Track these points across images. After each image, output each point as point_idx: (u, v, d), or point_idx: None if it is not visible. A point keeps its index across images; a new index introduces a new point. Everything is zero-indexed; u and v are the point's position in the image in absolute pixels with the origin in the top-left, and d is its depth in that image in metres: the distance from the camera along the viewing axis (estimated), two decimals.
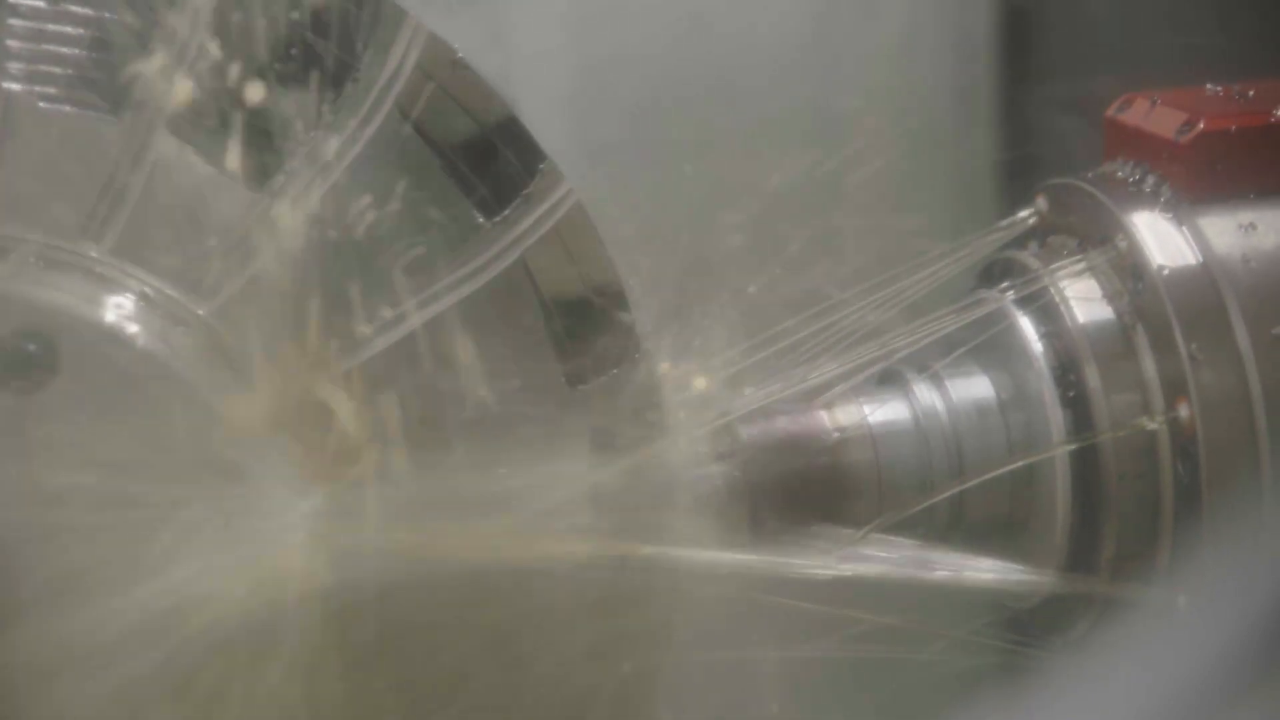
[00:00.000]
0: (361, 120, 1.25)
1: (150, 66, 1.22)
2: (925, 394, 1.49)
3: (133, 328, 1.20)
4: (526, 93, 1.81)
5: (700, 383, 1.39)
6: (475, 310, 1.26)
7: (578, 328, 1.31)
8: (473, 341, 1.26)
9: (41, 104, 1.21)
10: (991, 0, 2.06)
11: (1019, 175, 1.96)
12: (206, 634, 1.18)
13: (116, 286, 1.21)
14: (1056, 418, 1.44)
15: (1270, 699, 0.88)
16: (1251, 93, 1.52)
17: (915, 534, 1.44)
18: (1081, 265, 1.47)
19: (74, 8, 1.23)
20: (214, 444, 1.20)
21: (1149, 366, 1.42)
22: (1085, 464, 1.43)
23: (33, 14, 1.22)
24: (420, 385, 1.25)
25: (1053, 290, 1.47)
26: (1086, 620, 1.48)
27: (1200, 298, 1.40)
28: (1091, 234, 1.49)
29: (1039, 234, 1.55)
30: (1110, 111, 1.55)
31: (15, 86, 1.21)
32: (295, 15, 1.24)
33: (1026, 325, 1.47)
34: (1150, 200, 1.46)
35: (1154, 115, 1.50)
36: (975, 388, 1.50)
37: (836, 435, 1.45)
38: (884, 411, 1.48)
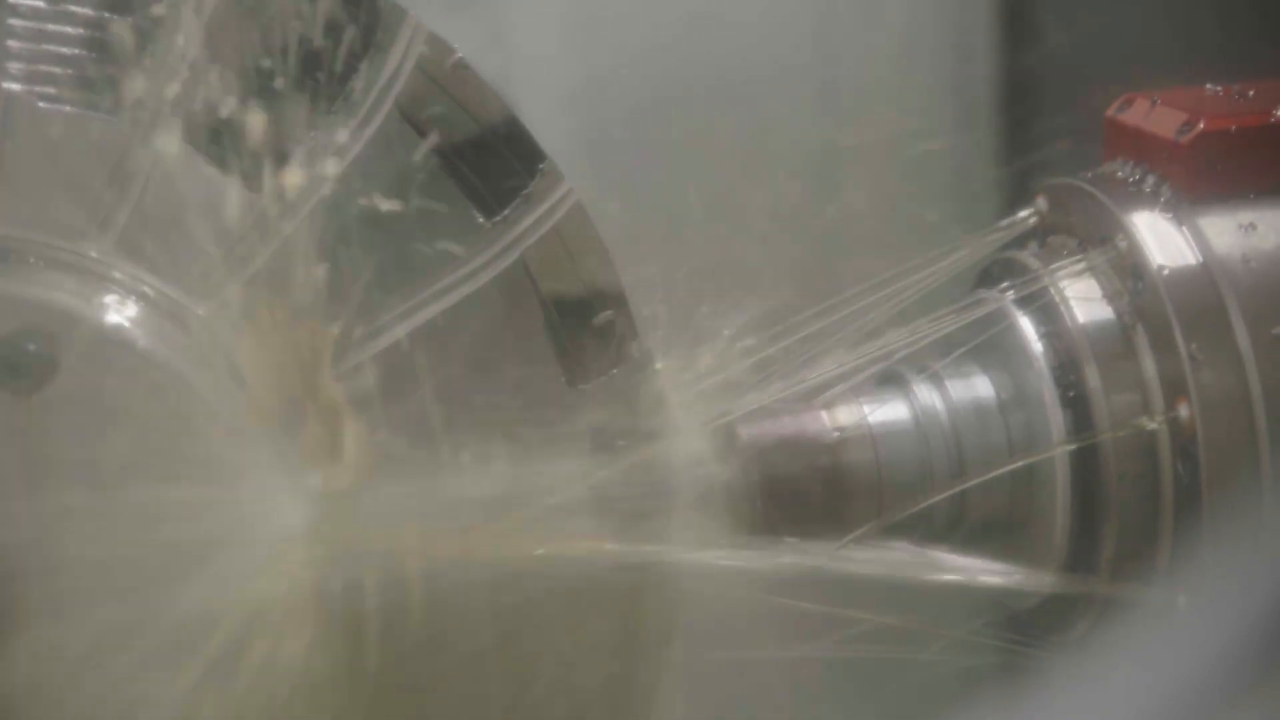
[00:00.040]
0: (361, 120, 1.25)
1: (150, 66, 1.22)
2: (925, 394, 1.49)
3: (132, 327, 1.20)
4: (526, 93, 1.80)
5: (700, 382, 1.39)
6: (475, 310, 1.26)
7: (578, 327, 1.31)
8: (472, 341, 1.26)
9: (41, 104, 1.21)
10: (991, 0, 2.06)
11: (1019, 175, 1.96)
12: (206, 634, 1.18)
13: (117, 286, 1.21)
14: (1056, 418, 1.44)
15: (1270, 699, 0.88)
16: (1251, 93, 1.52)
17: (915, 534, 1.44)
18: (1081, 265, 1.47)
19: (74, 8, 1.23)
20: (214, 444, 1.20)
21: (1149, 366, 1.42)
22: (1085, 464, 1.43)
23: (33, 14, 1.22)
24: (420, 385, 1.25)
25: (1053, 290, 1.47)
26: (1086, 620, 1.48)
27: (1200, 298, 1.40)
28: (1091, 234, 1.49)
29: (1039, 234, 1.55)
30: (1110, 111, 1.55)
31: (15, 86, 1.21)
32: (296, 15, 1.24)
33: (1026, 325, 1.48)
34: (1150, 200, 1.46)
35: (1154, 115, 1.50)
36: (975, 388, 1.50)
37: (836, 435, 1.45)
38: (884, 411, 1.48)
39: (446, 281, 1.26)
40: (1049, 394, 1.45)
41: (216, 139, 1.22)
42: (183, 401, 1.20)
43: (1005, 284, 1.50)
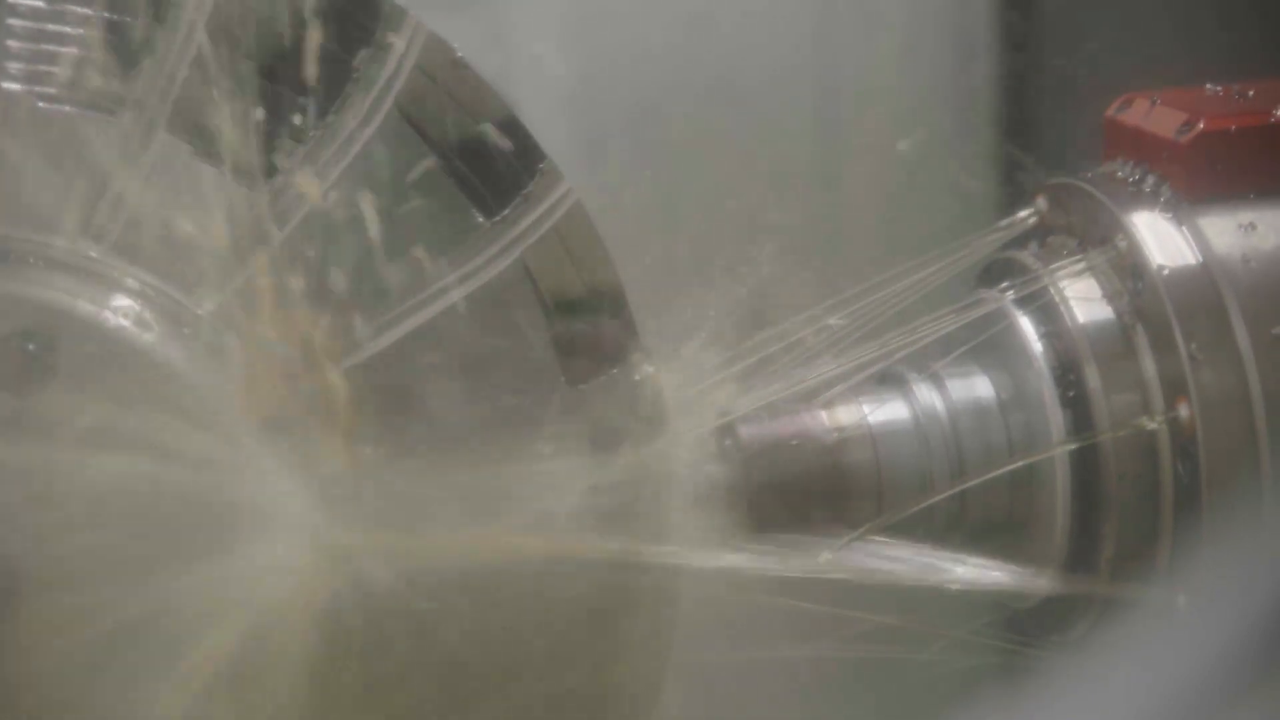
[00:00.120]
0: (361, 120, 1.25)
1: (150, 66, 1.22)
2: (925, 394, 1.49)
3: (132, 327, 1.20)
4: (526, 93, 1.81)
5: (700, 382, 1.39)
6: (475, 310, 1.26)
7: (578, 327, 1.31)
8: (472, 341, 1.26)
9: (41, 104, 1.21)
10: (991, 1, 2.06)
11: (1018, 175, 1.96)
12: (206, 634, 1.18)
13: (117, 286, 1.21)
14: (1056, 418, 1.44)
15: (1270, 699, 0.88)
16: (1251, 93, 1.52)
17: (915, 534, 1.44)
18: (1081, 265, 1.47)
19: (74, 8, 1.23)
20: (214, 444, 1.20)
21: (1149, 366, 1.42)
22: (1085, 464, 1.43)
23: (33, 14, 1.22)
24: (420, 384, 1.25)
25: (1052, 290, 1.47)
26: (1086, 620, 1.47)
27: (1200, 298, 1.40)
28: (1091, 234, 1.49)
29: (1039, 234, 1.55)
30: (1110, 111, 1.55)
31: (15, 86, 1.21)
32: (296, 15, 1.24)
33: (1026, 325, 1.47)
34: (1150, 200, 1.46)
35: (1154, 115, 1.50)
36: (975, 388, 1.50)
37: (836, 435, 1.45)
38: (884, 411, 1.48)
39: (446, 281, 1.26)
40: (1049, 394, 1.45)
41: (216, 139, 1.22)
42: (183, 401, 1.20)
43: (1005, 284, 1.50)
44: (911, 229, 1.89)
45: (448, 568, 1.23)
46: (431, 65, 1.27)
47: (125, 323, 1.20)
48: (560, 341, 1.30)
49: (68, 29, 1.23)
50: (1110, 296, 1.45)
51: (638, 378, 1.32)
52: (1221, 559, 1.15)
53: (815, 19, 2.02)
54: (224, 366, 1.21)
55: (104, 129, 1.22)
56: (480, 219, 1.29)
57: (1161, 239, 1.43)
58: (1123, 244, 1.44)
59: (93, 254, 1.21)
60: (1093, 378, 1.43)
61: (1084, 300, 1.46)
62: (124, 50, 1.22)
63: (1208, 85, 1.53)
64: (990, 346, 1.49)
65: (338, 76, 1.26)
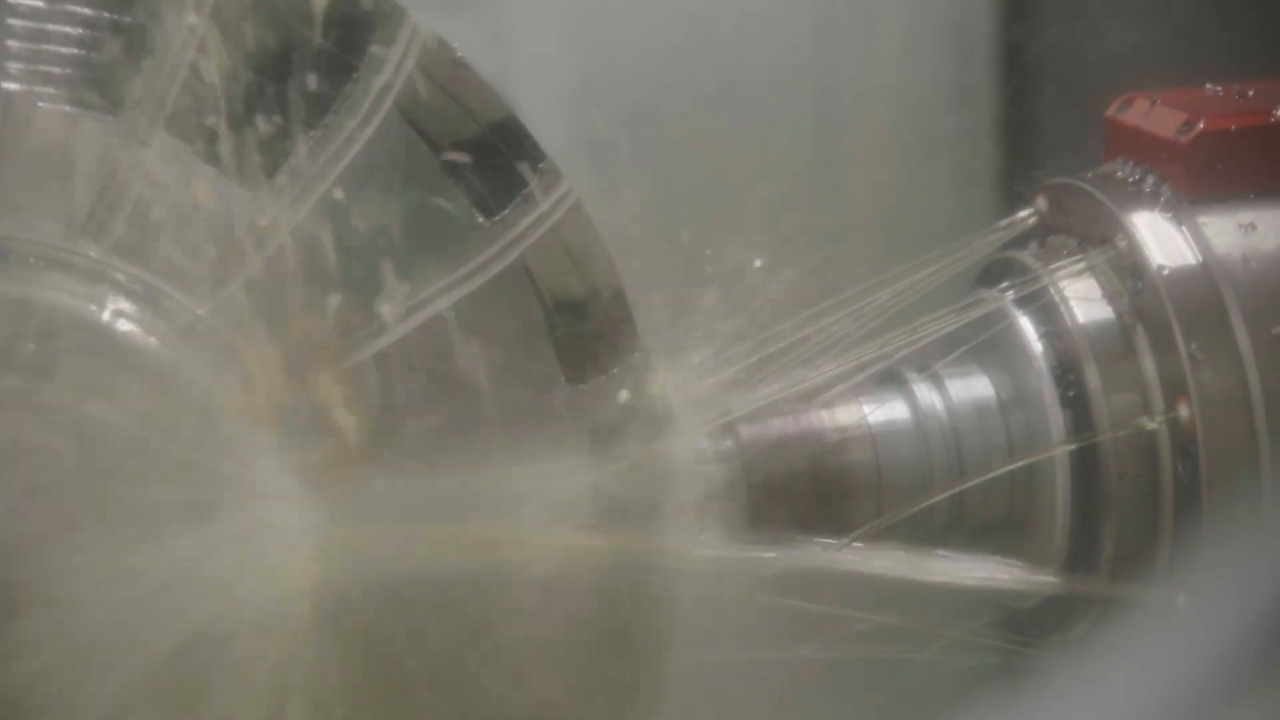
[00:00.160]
0: (361, 120, 1.25)
1: (149, 66, 1.22)
2: (925, 394, 1.49)
3: (132, 328, 1.20)
4: (526, 93, 1.81)
5: (700, 382, 1.39)
6: (475, 310, 1.26)
7: (578, 327, 1.31)
8: (472, 341, 1.26)
9: (41, 104, 1.21)
10: (991, 1, 2.06)
11: (1019, 175, 1.97)
12: (205, 634, 1.18)
13: (116, 286, 1.21)
14: (1056, 418, 1.44)
15: (1270, 699, 0.88)
16: (1251, 93, 1.52)
17: (915, 534, 1.44)
18: (1081, 265, 1.47)
19: (74, 8, 1.23)
20: (214, 444, 1.20)
21: (1149, 366, 1.42)
22: (1085, 464, 1.43)
23: (32, 14, 1.22)
24: (420, 384, 1.25)
25: (1052, 290, 1.47)
26: (1086, 620, 1.47)
27: (1200, 298, 1.40)
28: (1091, 234, 1.49)
29: (1039, 234, 1.55)
30: (1110, 111, 1.55)
31: (15, 86, 1.21)
32: (295, 15, 1.24)
33: (1026, 325, 1.48)
34: (1150, 200, 1.46)
35: (1154, 115, 1.50)
36: (975, 388, 1.50)
37: (836, 435, 1.45)
38: (884, 411, 1.48)
39: (446, 281, 1.26)
40: (1049, 394, 1.45)
41: (216, 139, 1.22)
42: (183, 402, 1.20)
43: (1005, 284, 1.50)
44: (911, 229, 1.89)
45: (447, 568, 1.23)
46: (431, 65, 1.27)
47: (125, 323, 1.20)
48: (560, 341, 1.30)
49: (68, 29, 1.22)
50: (1110, 296, 1.46)
51: (638, 378, 1.32)
52: (1221, 559, 1.15)
53: (815, 19, 2.02)
54: (224, 366, 1.21)
55: (104, 129, 1.22)
56: (480, 219, 1.29)
57: (1161, 239, 1.43)
58: (1123, 244, 1.44)
59: (93, 254, 1.21)
60: (1093, 378, 1.43)
61: (1084, 300, 1.46)
62: (124, 50, 1.22)
63: (1208, 85, 1.53)
64: (990, 346, 1.49)
65: (338, 76, 1.26)
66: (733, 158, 1.91)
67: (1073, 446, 1.43)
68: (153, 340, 1.20)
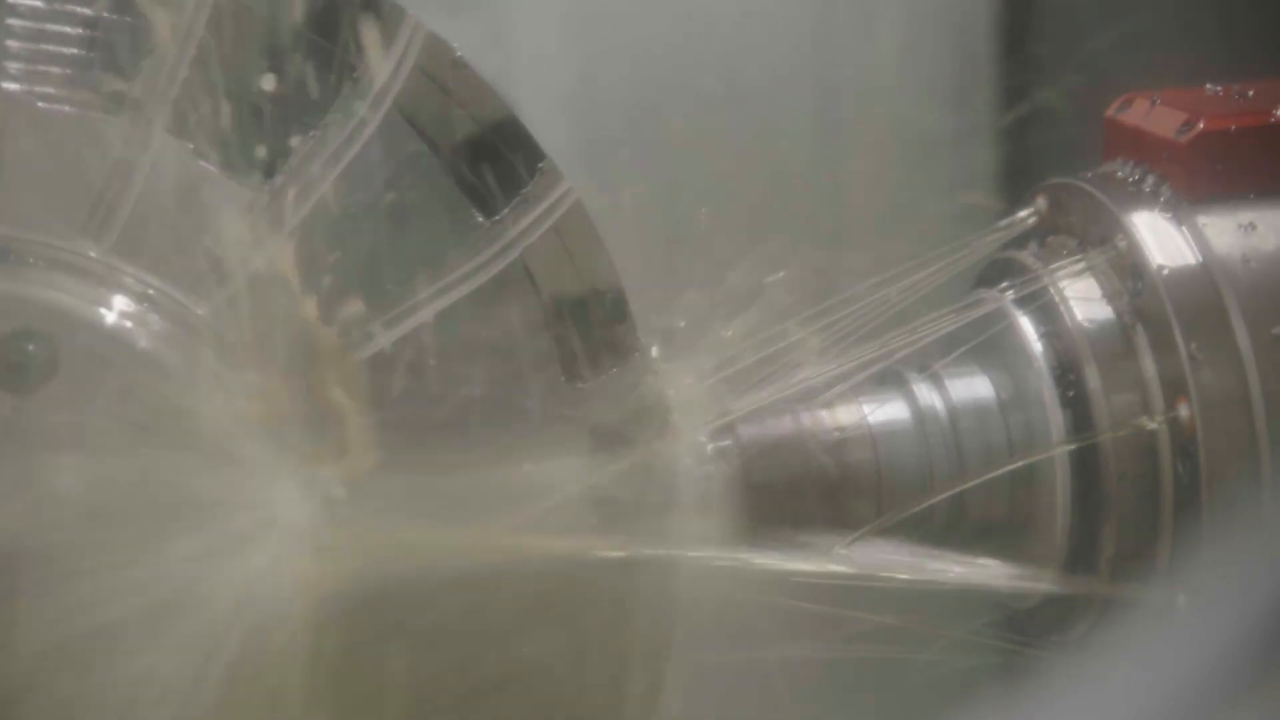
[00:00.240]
0: (361, 120, 1.25)
1: (150, 66, 1.22)
2: (925, 394, 1.49)
3: (133, 328, 1.20)
4: (526, 93, 1.80)
5: (700, 382, 1.39)
6: (475, 309, 1.26)
7: (577, 327, 1.31)
8: (472, 340, 1.26)
9: (41, 104, 1.21)
10: (991, 0, 2.06)
11: (1019, 175, 1.96)
12: (205, 634, 1.18)
13: (117, 286, 1.21)
14: (1056, 418, 1.44)
15: (1270, 699, 0.88)
16: (1251, 93, 1.52)
17: (915, 534, 1.44)
18: (1081, 265, 1.47)
19: (74, 8, 1.23)
20: (214, 443, 1.20)
21: (1149, 366, 1.42)
22: (1085, 464, 1.43)
23: (32, 14, 1.22)
24: (420, 384, 1.25)
25: (1052, 290, 1.47)
26: (1086, 620, 1.48)
27: (1200, 298, 1.40)
28: (1091, 234, 1.49)
29: (1039, 234, 1.55)
30: (1110, 111, 1.55)
31: (15, 86, 1.21)
32: (295, 15, 1.24)
33: (1026, 325, 1.48)
34: (1150, 200, 1.46)
35: (1154, 115, 1.50)
36: (975, 388, 1.50)
37: (836, 435, 1.45)
38: (884, 411, 1.48)
39: (446, 281, 1.26)
40: (1049, 394, 1.45)
41: (215, 139, 1.22)
42: (183, 401, 1.20)
43: (1005, 284, 1.50)
44: (912, 229, 1.89)
45: (447, 568, 1.23)
46: (431, 65, 1.27)
47: (125, 323, 1.20)
48: (560, 341, 1.30)
49: (68, 29, 1.23)
50: (1110, 296, 1.45)
51: (638, 377, 1.32)
52: (1221, 559, 1.15)
53: (815, 19, 2.02)
54: (224, 366, 1.21)
55: (104, 129, 1.22)
56: (480, 219, 1.29)
57: (1161, 239, 1.43)
58: (1123, 244, 1.44)
59: (93, 254, 1.21)
60: (1093, 378, 1.43)
61: (1084, 300, 1.46)
62: (124, 50, 1.22)
63: (1208, 85, 1.53)
64: (990, 346, 1.49)
65: (338, 76, 1.26)
66: (733, 158, 1.91)
67: (1073, 446, 1.43)
68: (153, 340, 1.20)
